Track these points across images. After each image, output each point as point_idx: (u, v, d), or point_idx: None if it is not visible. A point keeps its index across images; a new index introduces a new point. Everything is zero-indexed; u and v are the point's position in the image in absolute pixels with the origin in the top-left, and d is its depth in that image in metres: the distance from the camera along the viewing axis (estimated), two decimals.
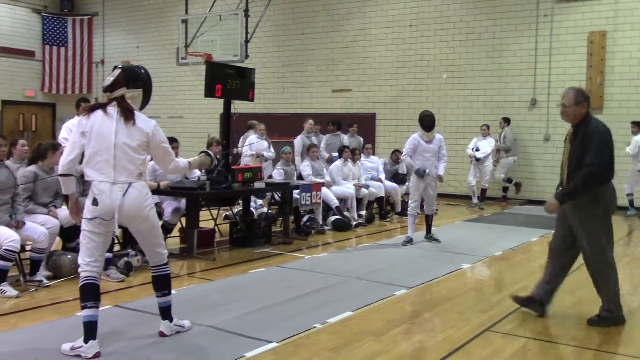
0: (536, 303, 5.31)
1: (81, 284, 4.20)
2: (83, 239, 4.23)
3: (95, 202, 4.14)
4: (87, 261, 4.20)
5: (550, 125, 14.07)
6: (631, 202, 12.65)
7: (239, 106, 9.76)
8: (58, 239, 6.59)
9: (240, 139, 12.00)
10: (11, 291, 5.49)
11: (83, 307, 4.14)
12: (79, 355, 4.07)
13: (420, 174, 8.47)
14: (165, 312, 4.53)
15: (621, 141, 12.76)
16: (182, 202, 7.65)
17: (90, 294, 4.16)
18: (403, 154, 8.89)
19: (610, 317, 5.05)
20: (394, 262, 7.57)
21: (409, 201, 8.82)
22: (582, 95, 5.04)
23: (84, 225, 4.21)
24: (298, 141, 11.47)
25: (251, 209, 9.37)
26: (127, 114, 4.20)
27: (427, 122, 8.50)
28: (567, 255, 5.25)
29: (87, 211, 4.19)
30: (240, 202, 9.48)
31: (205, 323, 4.83)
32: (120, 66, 4.40)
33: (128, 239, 6.82)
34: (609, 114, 13.45)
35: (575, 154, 4.95)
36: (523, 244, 8.97)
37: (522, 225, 10.87)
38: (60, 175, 4.26)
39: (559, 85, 13.90)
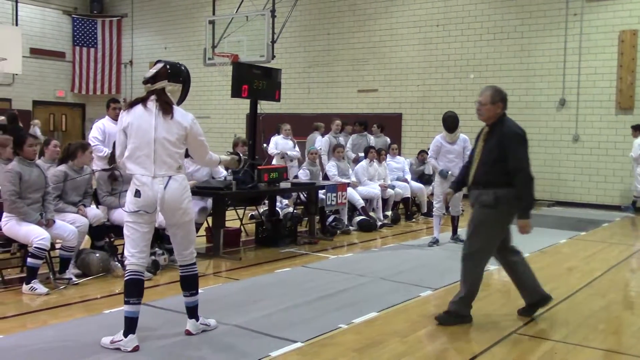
0: (537, 305, 5.25)
1: (126, 278, 4.27)
2: (127, 230, 4.30)
3: (137, 193, 4.21)
4: (132, 252, 4.27)
5: (579, 125, 13.88)
6: (634, 202, 12.79)
7: (265, 106, 9.80)
8: (87, 237, 6.69)
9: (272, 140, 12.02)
10: (41, 288, 5.58)
11: (126, 302, 4.22)
12: (118, 349, 4.15)
13: (444, 175, 8.41)
14: (192, 311, 4.56)
15: None
16: (209, 202, 7.71)
17: (135, 290, 4.24)
18: (428, 156, 8.86)
19: (454, 312, 5.00)
20: (420, 263, 7.54)
21: (434, 202, 8.77)
22: (499, 94, 4.94)
23: (127, 217, 4.29)
24: (325, 140, 11.48)
25: (277, 209, 9.39)
26: (166, 108, 4.25)
27: (449, 123, 8.42)
28: (510, 253, 5.24)
29: (129, 204, 4.26)
30: (266, 202, 9.51)
31: (231, 322, 4.86)
32: (163, 60, 4.46)
33: (155, 238, 6.88)
34: (639, 114, 13.23)
35: (491, 155, 4.88)
36: (551, 246, 8.85)
37: (550, 227, 10.73)
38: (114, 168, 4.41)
39: (588, 85, 13.73)
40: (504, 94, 4.99)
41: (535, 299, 5.22)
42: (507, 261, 5.25)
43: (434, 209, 8.76)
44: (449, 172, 8.38)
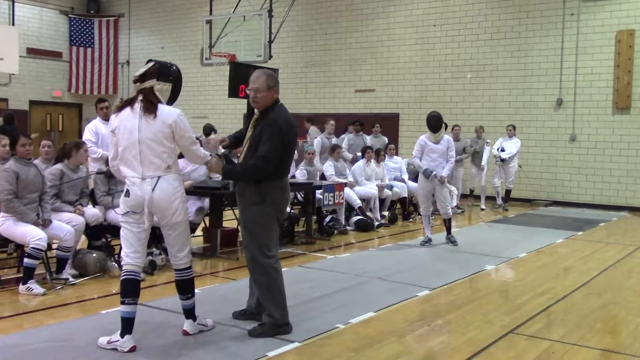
0: (253, 314, 4.87)
1: (122, 278, 4.27)
2: (122, 232, 4.32)
3: (127, 193, 4.23)
4: (127, 252, 4.28)
5: (576, 125, 13.90)
6: (472, 190, 13.66)
7: None
8: (84, 237, 6.67)
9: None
10: (38, 289, 5.57)
11: (122, 302, 4.22)
12: (115, 349, 4.15)
13: (427, 174, 8.36)
14: (189, 312, 4.56)
15: None
16: (206, 202, 7.70)
17: (130, 290, 4.24)
18: (412, 156, 8.80)
19: (274, 323, 4.60)
20: (417, 263, 7.54)
21: (420, 202, 8.75)
22: (274, 79, 4.60)
23: (121, 218, 4.31)
24: (317, 141, 11.47)
25: None
26: (149, 107, 4.21)
27: (433, 123, 8.37)
28: None
29: (121, 204, 4.29)
30: None
31: (228, 322, 4.85)
32: (154, 59, 4.45)
33: (152, 238, 6.87)
34: (636, 114, 13.28)
35: (255, 141, 4.51)
36: (548, 246, 8.87)
37: (547, 226, 10.76)
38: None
39: (585, 85, 13.75)
40: (276, 77, 4.69)
41: (258, 310, 4.80)
42: None
43: (420, 209, 8.74)
44: (433, 172, 8.35)
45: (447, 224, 8.73)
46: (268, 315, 4.63)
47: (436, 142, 8.43)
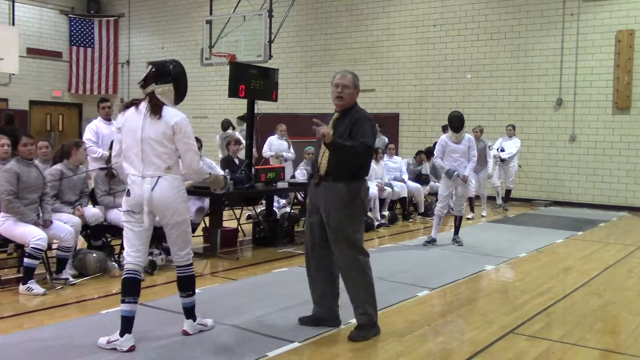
0: (327, 320, 4.82)
1: (123, 277, 4.30)
2: (124, 231, 4.37)
3: (128, 192, 4.28)
4: (128, 251, 4.32)
5: (576, 125, 13.90)
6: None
7: (263, 106, 9.79)
8: (82, 238, 6.66)
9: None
10: (38, 289, 5.56)
11: (122, 301, 4.24)
12: (114, 349, 4.15)
13: (450, 174, 8.43)
14: (189, 312, 4.56)
15: None
16: (206, 202, 7.70)
17: (130, 289, 4.26)
18: (434, 156, 8.87)
19: (370, 322, 4.61)
20: (417, 263, 7.54)
21: (437, 202, 8.76)
22: (358, 79, 4.85)
23: (122, 217, 4.36)
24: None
25: (274, 209, 9.39)
26: (154, 109, 4.26)
27: (455, 122, 8.44)
28: (327, 252, 4.72)
29: (123, 203, 4.34)
30: (264, 202, 9.51)
31: (228, 322, 4.85)
32: (152, 62, 4.46)
33: (152, 238, 6.86)
34: (636, 114, 13.28)
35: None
36: (548, 246, 8.87)
37: (547, 226, 10.76)
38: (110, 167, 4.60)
39: (585, 85, 13.75)
40: None
41: (329, 316, 4.81)
42: (329, 261, 4.75)
43: (436, 208, 8.73)
44: (455, 172, 8.39)
45: (457, 222, 8.78)
46: (364, 314, 4.59)
47: (457, 142, 8.50)
